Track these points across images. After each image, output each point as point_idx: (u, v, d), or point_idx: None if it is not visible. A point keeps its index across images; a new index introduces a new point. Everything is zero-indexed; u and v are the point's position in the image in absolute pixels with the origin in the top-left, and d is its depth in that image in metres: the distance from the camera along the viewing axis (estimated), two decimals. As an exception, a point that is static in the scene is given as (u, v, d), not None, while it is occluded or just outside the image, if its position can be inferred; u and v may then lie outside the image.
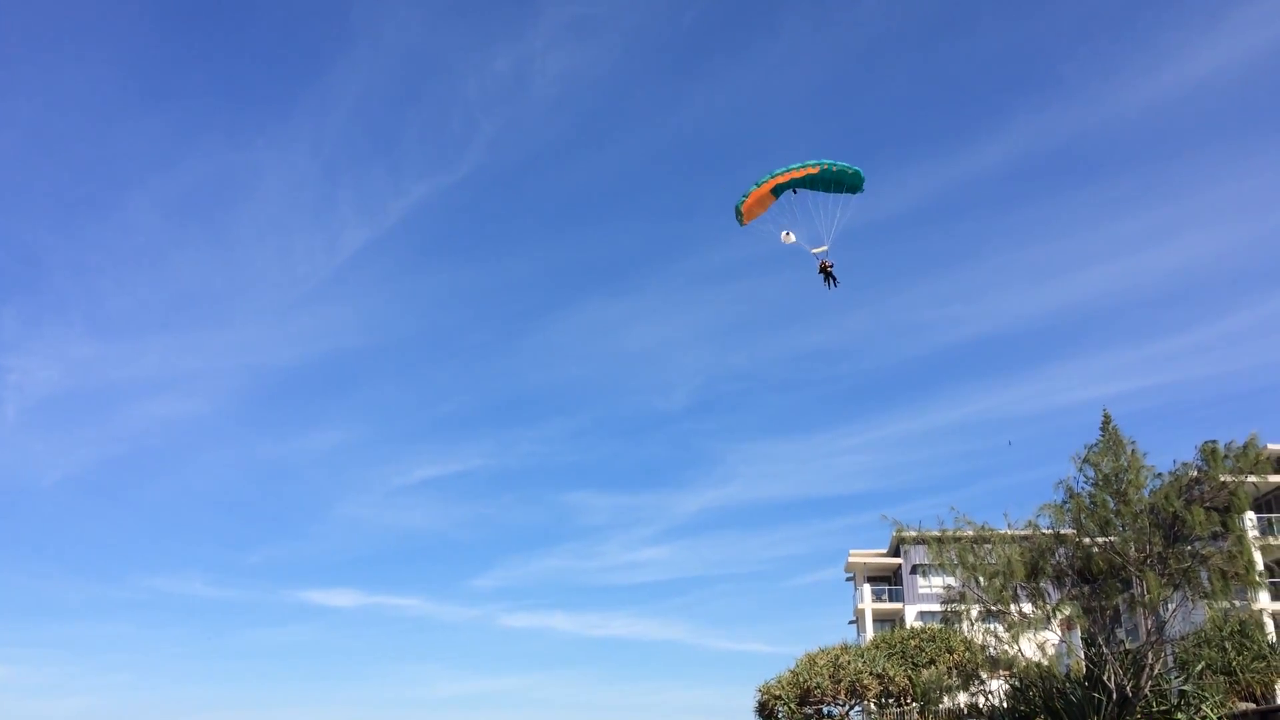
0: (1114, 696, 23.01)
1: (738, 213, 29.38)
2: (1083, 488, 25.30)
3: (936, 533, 27.79)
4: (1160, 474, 24.59)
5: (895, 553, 65.96)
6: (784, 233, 28.30)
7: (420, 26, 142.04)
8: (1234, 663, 35.22)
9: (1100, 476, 25.06)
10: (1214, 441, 24.30)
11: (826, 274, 29.84)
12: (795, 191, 28.07)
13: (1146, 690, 23.22)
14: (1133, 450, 25.00)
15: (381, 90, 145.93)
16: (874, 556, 68.17)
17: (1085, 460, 25.39)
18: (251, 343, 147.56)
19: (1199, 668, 26.34)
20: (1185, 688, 24.72)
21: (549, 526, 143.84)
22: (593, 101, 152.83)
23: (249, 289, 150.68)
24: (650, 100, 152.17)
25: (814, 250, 29.49)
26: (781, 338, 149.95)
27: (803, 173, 27.32)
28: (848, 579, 73.59)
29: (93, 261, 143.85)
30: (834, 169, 27.18)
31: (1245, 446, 23.90)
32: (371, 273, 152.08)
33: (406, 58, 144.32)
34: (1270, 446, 48.29)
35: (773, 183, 27.87)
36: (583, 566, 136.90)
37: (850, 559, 68.77)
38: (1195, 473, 24.13)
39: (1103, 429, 26.36)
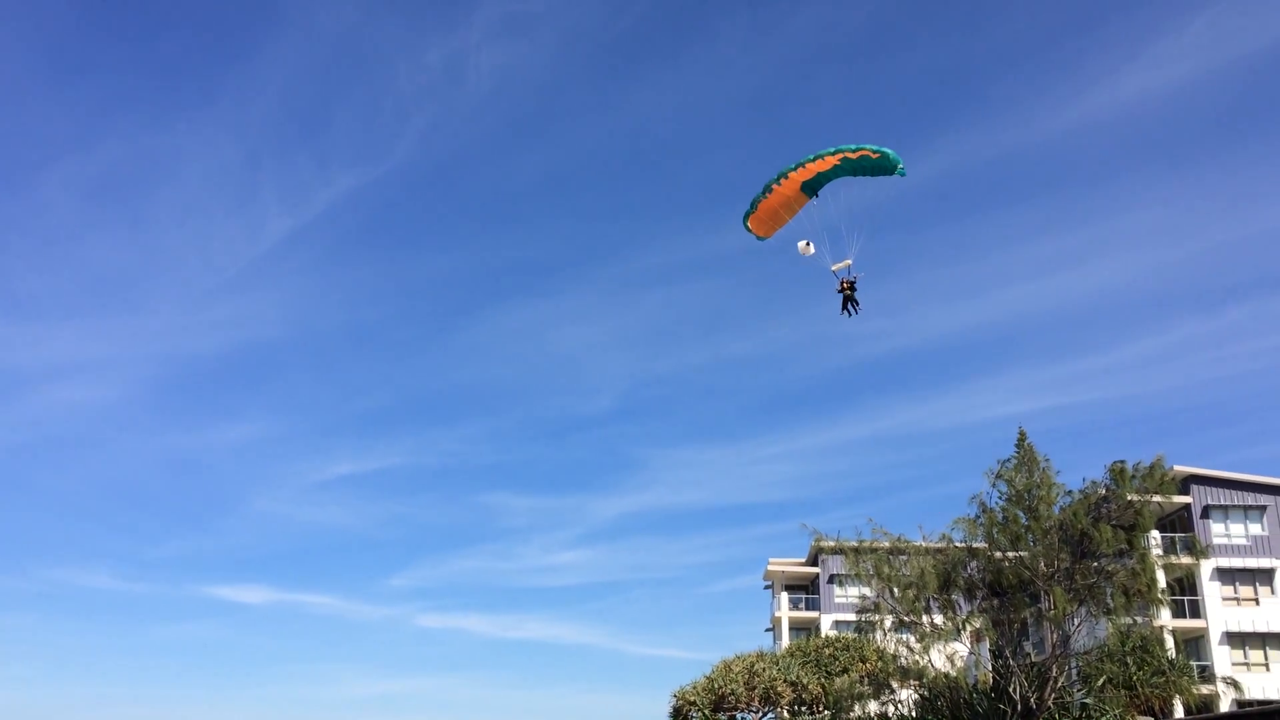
0: (1018, 708, 23.52)
1: (747, 225, 25.50)
2: (996, 503, 25.84)
3: (854, 543, 28.15)
4: (1070, 491, 25.22)
5: (814, 562, 66.65)
6: (803, 242, 23.75)
7: (353, 14, 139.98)
8: (1134, 677, 36.21)
9: (1013, 492, 25.61)
10: (1122, 462, 25.00)
11: (848, 297, 25.01)
12: (816, 195, 24.22)
13: (1050, 702, 23.77)
14: (1045, 468, 25.60)
15: (310, 77, 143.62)
16: (793, 565, 68.78)
17: (999, 476, 25.93)
18: (166, 330, 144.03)
19: (1101, 681, 27.02)
20: (1087, 701, 25.36)
21: (467, 527, 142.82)
22: (526, 99, 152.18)
23: (166, 275, 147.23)
24: (584, 101, 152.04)
25: (834, 266, 24.66)
26: (706, 345, 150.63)
27: (829, 163, 23.25)
28: (766, 587, 74.18)
29: (2, 241, 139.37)
30: (854, 157, 22.96)
31: (1152, 467, 24.61)
32: (294, 263, 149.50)
33: (337, 45, 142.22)
34: (1176, 468, 49.86)
35: (802, 176, 23.55)
36: (501, 568, 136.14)
37: (769, 567, 69.31)
38: (1104, 491, 24.78)
39: (1018, 446, 26.96)
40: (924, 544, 27.30)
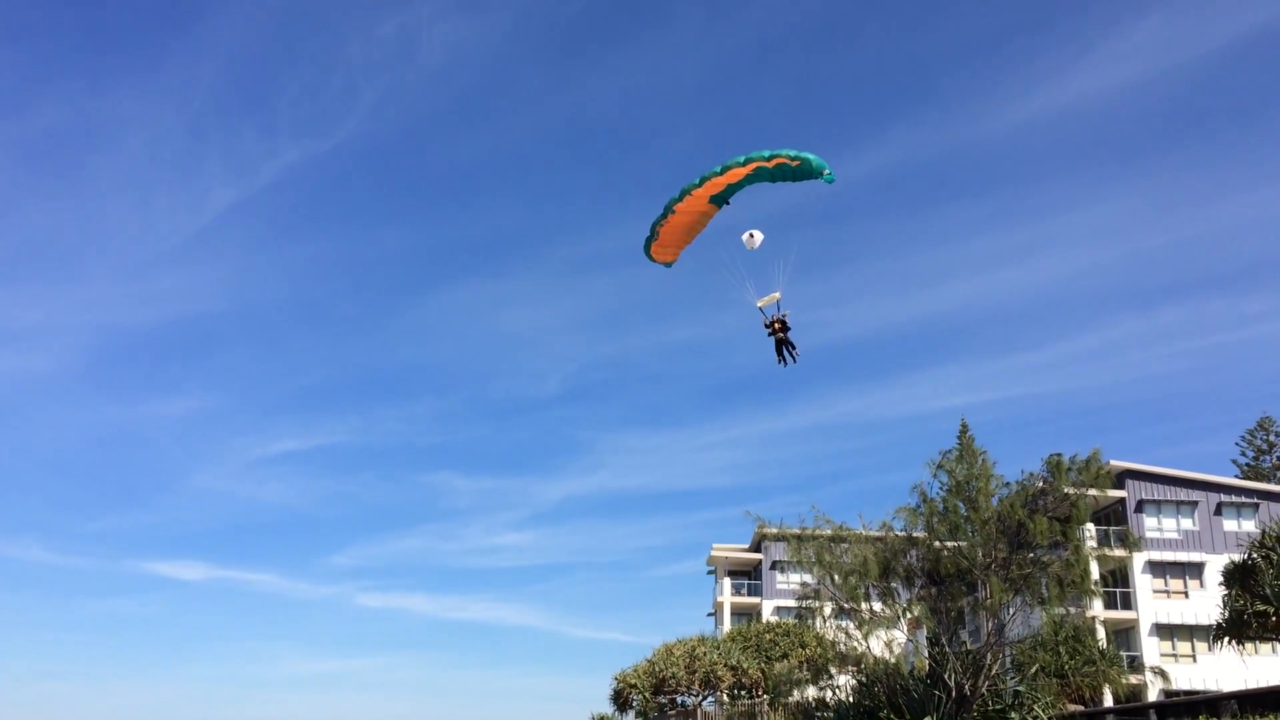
0: (953, 695, 23.86)
1: (649, 253, 22.56)
2: (936, 493, 26.13)
3: (797, 530, 28.36)
4: (1009, 483, 25.58)
5: (757, 548, 67.15)
6: (746, 234, 20.43)
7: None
8: (1066, 666, 37.02)
9: (953, 483, 25.91)
10: (1059, 454, 25.39)
11: (781, 340, 21.90)
12: (727, 203, 21.35)
13: (984, 689, 24.15)
14: (984, 459, 25.95)
15: (258, 45, 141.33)
16: (736, 551, 69.26)
17: (940, 467, 26.22)
18: (104, 300, 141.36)
19: (1034, 670, 27.52)
20: (1020, 688, 25.78)
21: (410, 506, 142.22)
22: (478, 76, 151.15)
23: (104, 244, 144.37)
24: (537, 80, 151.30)
25: (760, 302, 21.64)
26: (654, 330, 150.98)
27: (739, 174, 20.42)
28: (709, 572, 74.65)
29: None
30: (770, 165, 20.22)
31: (1088, 461, 25.03)
32: (237, 235, 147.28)
33: (286, 13, 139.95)
34: (1112, 463, 50.84)
35: (709, 191, 20.69)
36: (443, 548, 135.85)
37: (713, 552, 69.74)
38: (1041, 484, 25.16)
39: (959, 437, 27.33)
40: (865, 532, 27.58)
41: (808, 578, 28.88)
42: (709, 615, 73.55)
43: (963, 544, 25.28)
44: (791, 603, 50.39)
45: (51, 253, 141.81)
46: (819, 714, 29.90)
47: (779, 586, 64.33)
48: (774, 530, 29.59)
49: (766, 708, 38.76)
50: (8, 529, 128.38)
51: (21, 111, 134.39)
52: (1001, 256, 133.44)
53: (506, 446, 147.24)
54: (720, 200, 21.40)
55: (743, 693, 43.75)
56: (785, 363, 22.19)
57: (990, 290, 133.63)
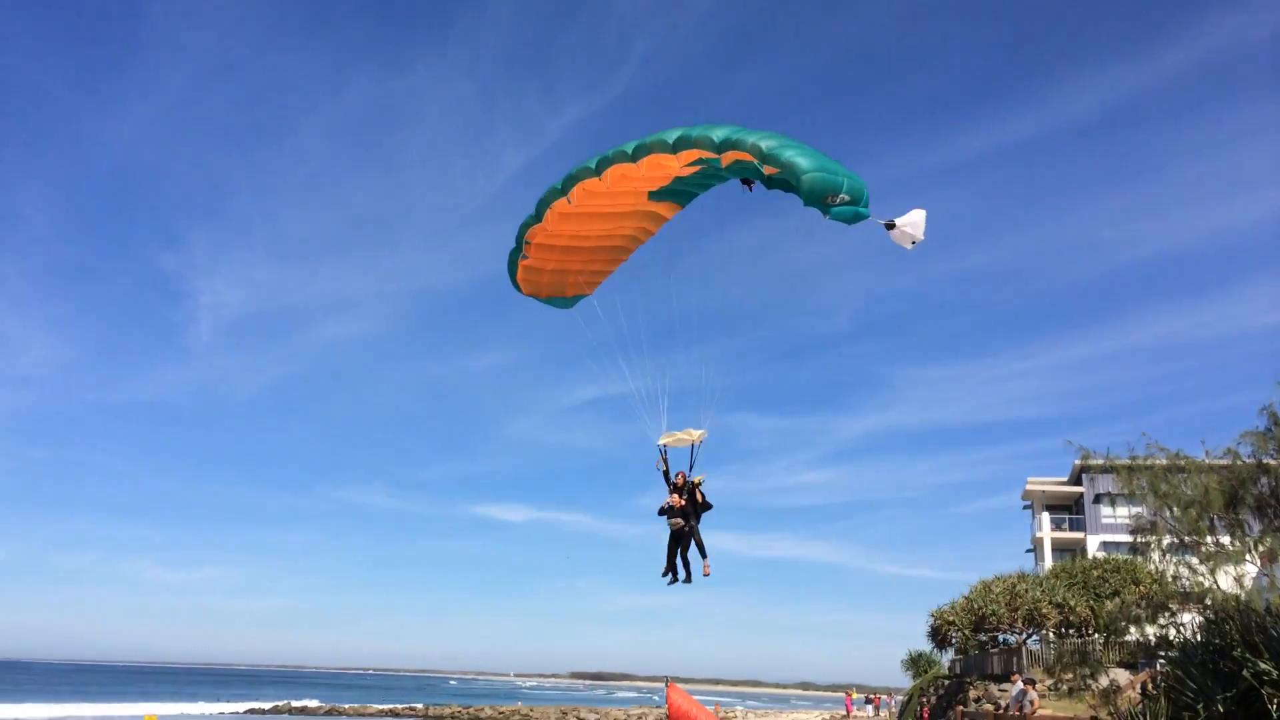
0: (1321, 633, 21.86)
1: (517, 275, 15.49)
2: (1290, 415, 23.91)
3: (1126, 460, 26.79)
4: (1382, 399, 23.00)
5: (1077, 480, 63.85)
6: (911, 225, 11.46)
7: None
8: None
9: (1311, 402, 23.61)
10: None
11: (682, 530, 15.13)
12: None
13: (1358, 629, 21.97)
14: (1350, 374, 23.38)
15: (535, 9, 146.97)
16: (1053, 484, 66.21)
17: (1294, 385, 23.93)
18: (416, 266, 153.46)
19: None
20: (1402, 627, 23.28)
21: (710, 448, 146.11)
22: (746, 13, 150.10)
23: (413, 213, 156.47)
24: (806, 11, 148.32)
25: (666, 439, 15.62)
26: (946, 257, 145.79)
27: (659, 163, 12.74)
28: (1024, 507, 71.84)
29: (270, 186, 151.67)
30: (725, 162, 12.05)
31: None
32: (529, 195, 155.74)
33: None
34: None
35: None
36: (746, 488, 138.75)
37: (1028, 486, 67.00)
38: None
39: (1315, 352, 24.77)
40: (1207, 460, 25.62)
41: (1140, 510, 27.26)
42: (1027, 551, 70.96)
43: (1325, 469, 23.02)
44: (1120, 537, 47.56)
45: (368, 225, 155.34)
46: (1161, 653, 28.26)
47: (1104, 521, 60.91)
48: (1100, 461, 28.05)
49: (1100, 646, 37.04)
50: (359, 477, 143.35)
51: (335, 95, 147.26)
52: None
53: (800, 385, 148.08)
54: (665, 196, 13.43)
55: (1071, 631, 42.03)
56: (676, 578, 15.27)
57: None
